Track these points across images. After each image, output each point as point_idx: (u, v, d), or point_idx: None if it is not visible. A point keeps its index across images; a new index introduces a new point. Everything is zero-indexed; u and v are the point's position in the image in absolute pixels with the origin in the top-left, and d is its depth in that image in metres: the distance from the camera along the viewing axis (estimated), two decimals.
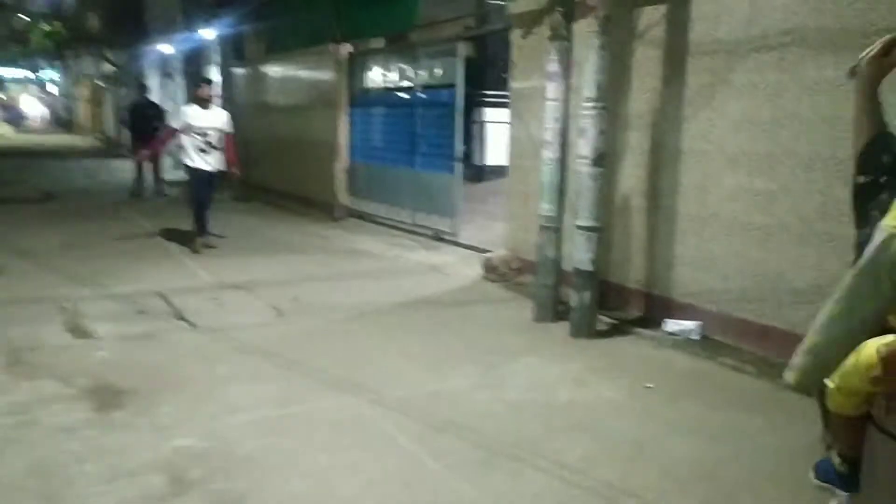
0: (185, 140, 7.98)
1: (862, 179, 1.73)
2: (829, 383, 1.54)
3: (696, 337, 5.14)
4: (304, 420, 3.79)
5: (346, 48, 10.57)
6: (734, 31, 4.89)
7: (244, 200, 12.43)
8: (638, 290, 5.79)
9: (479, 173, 13.11)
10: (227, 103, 15.17)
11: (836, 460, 1.58)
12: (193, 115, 8.00)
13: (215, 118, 8.12)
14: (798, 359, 1.48)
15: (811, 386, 1.50)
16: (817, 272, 4.49)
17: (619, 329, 5.45)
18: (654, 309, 5.61)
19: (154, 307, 5.84)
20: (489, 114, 12.97)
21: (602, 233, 5.37)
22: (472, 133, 13.26)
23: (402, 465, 3.33)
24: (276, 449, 3.45)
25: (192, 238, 8.15)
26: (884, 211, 1.54)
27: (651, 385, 4.34)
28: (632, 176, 5.76)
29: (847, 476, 1.56)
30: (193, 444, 3.48)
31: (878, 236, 1.41)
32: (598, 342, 5.21)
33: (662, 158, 5.49)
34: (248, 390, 4.16)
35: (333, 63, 10.65)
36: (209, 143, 7.96)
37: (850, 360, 1.49)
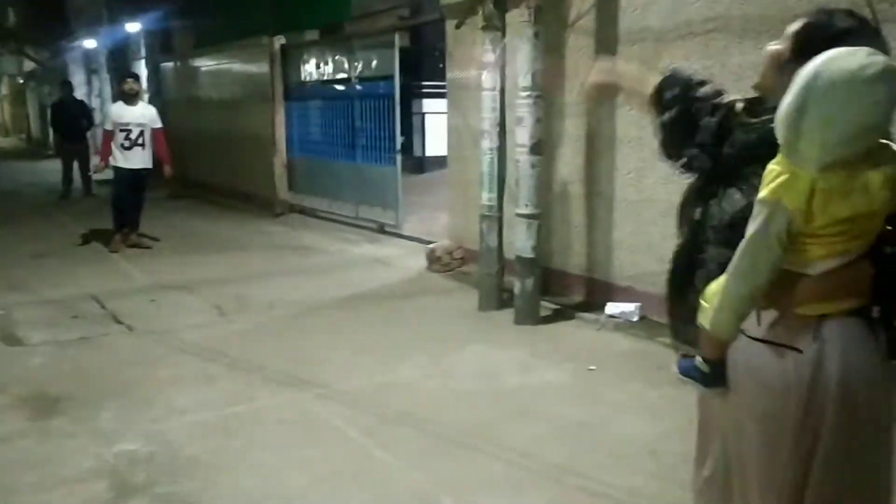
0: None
1: (665, 117, 1.92)
2: (707, 305, 1.72)
3: (635, 318, 5.27)
4: (250, 419, 3.76)
5: (280, 41, 10.42)
6: (662, 19, 5.01)
7: (180, 198, 12.16)
8: (580, 275, 5.90)
9: (420, 164, 13.12)
10: (156, 98, 14.83)
11: (700, 362, 1.80)
12: (118, 111, 7.83)
13: (142, 114, 7.93)
14: (711, 312, 1.70)
15: (730, 332, 1.70)
16: None
17: (562, 314, 5.55)
18: (596, 293, 5.73)
19: (89, 311, 5.68)
20: (429, 104, 12.98)
21: (542, 220, 5.45)
22: (413, 124, 13.25)
23: (352, 458, 3.33)
24: (223, 449, 3.42)
25: (112, 238, 8.03)
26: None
27: (594, 367, 4.44)
28: (570, 164, 5.86)
29: (709, 374, 1.78)
30: (137, 448, 3.42)
31: (762, 210, 1.54)
32: (542, 328, 5.30)
33: (599, 146, 5.60)
34: (191, 392, 4.09)
35: (267, 56, 10.48)
36: (134, 140, 7.77)
37: (722, 280, 1.69)
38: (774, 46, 1.75)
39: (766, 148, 1.58)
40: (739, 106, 1.84)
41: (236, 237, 9.02)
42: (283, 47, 10.47)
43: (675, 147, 1.94)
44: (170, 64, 14.78)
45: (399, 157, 8.54)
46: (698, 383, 1.86)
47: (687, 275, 1.92)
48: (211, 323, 5.47)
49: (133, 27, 13.98)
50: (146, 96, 15.20)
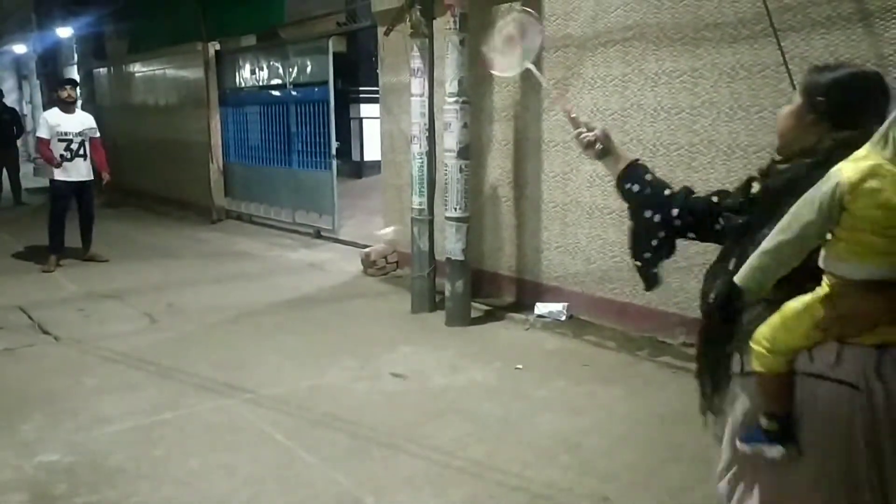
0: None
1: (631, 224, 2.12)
2: (759, 348, 1.66)
3: (563, 318, 5.41)
4: (176, 426, 3.75)
5: (214, 46, 10.33)
6: (582, 27, 5.17)
7: (115, 206, 11.91)
8: (510, 276, 6.03)
9: (358, 169, 13.12)
10: (90, 105, 14.48)
11: (764, 422, 1.68)
12: (55, 119, 7.40)
13: (80, 122, 7.55)
14: (747, 266, 1.64)
15: (754, 284, 1.64)
16: None
17: (492, 315, 5.66)
18: (526, 294, 5.86)
19: (14, 322, 5.56)
20: (365, 109, 12.99)
21: (472, 223, 5.56)
22: (351, 129, 13.25)
23: (278, 462, 3.37)
24: (147, 457, 3.41)
25: (46, 255, 7.47)
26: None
27: (521, 366, 4.55)
28: (499, 167, 5.98)
29: (779, 432, 1.66)
30: (58, 459, 3.39)
31: (830, 181, 1.52)
32: (472, 329, 5.40)
33: (526, 149, 5.74)
34: (116, 400, 4.06)
35: (201, 61, 10.38)
36: (75, 151, 7.40)
37: (776, 322, 1.64)
38: (789, 107, 1.82)
39: (802, 184, 1.60)
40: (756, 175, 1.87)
41: (171, 244, 8.91)
42: (217, 53, 10.39)
43: (637, 249, 2.07)
44: (103, 69, 14.47)
45: (335, 162, 8.56)
46: (770, 445, 1.68)
47: (723, 333, 1.84)
48: (141, 331, 5.41)
49: (65, 32, 13.65)
50: (79, 103, 14.85)
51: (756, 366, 1.68)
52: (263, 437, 3.62)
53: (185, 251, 8.51)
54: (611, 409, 3.95)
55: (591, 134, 2.17)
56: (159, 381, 4.37)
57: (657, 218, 2.01)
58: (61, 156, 7.32)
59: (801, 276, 1.61)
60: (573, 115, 2.25)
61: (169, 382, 4.35)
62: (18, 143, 12.65)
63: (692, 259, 4.69)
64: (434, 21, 5.51)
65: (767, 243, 1.60)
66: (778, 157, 1.83)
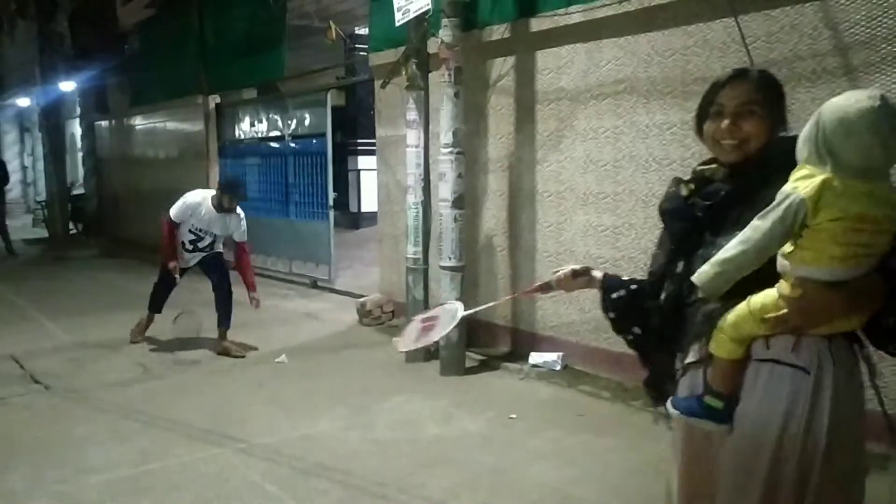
0: None
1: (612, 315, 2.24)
2: (723, 336, 1.78)
3: (558, 367, 5.39)
4: (165, 476, 3.70)
5: (214, 99, 10.51)
6: (575, 81, 5.29)
7: (114, 256, 11.98)
8: (505, 326, 6.02)
9: (355, 220, 13.22)
10: (91, 157, 14.68)
11: (710, 399, 1.80)
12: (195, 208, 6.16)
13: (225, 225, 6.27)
14: (708, 270, 1.73)
15: (715, 291, 1.74)
16: None
17: (487, 365, 5.64)
18: (521, 343, 5.85)
19: (6, 372, 5.52)
20: (363, 161, 13.17)
21: (466, 272, 5.58)
22: (348, 180, 13.40)
23: None
24: None
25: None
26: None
27: (514, 416, 4.52)
28: (493, 217, 6.03)
29: (723, 411, 1.79)
30: None
31: (781, 198, 1.63)
32: (466, 378, 5.37)
33: (520, 199, 5.80)
34: (106, 450, 4.02)
35: (201, 114, 10.56)
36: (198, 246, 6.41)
37: (743, 312, 1.75)
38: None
39: (750, 194, 1.76)
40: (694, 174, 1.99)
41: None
42: (218, 105, 10.56)
43: (623, 329, 2.19)
44: (105, 122, 14.69)
45: (332, 213, 8.63)
46: (707, 421, 1.82)
47: (673, 328, 1.96)
48: (133, 380, 5.37)
49: (67, 86, 13.89)
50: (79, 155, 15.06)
51: (717, 351, 1.81)
52: (254, 487, 3.57)
53: (179, 301, 8.47)
54: (604, 459, 3.91)
55: (561, 272, 2.27)
56: (150, 431, 4.32)
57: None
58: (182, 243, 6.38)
59: (756, 277, 1.72)
60: (540, 285, 2.35)
61: (159, 432, 4.30)
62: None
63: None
64: (429, 74, 5.63)
65: (727, 252, 1.71)
66: (700, 167, 1.97)
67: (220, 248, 6.38)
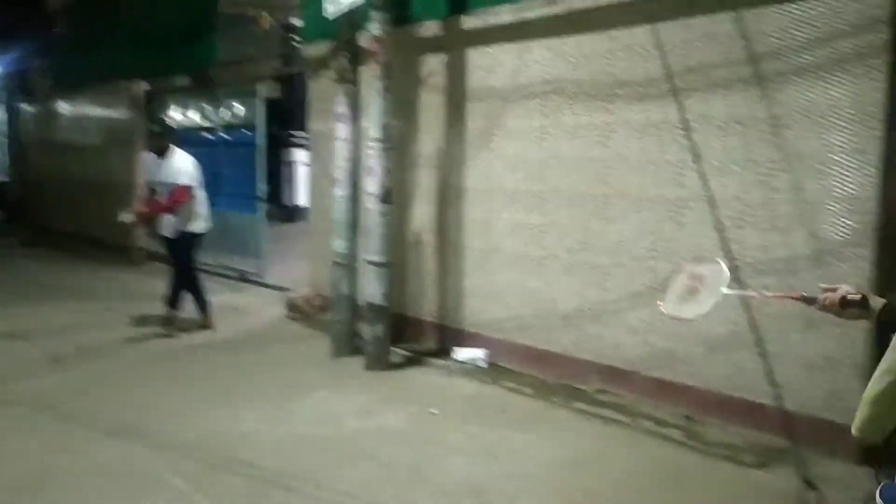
0: None
1: None
2: None
3: (483, 364, 5.44)
4: (71, 471, 3.59)
5: (144, 86, 10.23)
6: (504, 80, 5.33)
7: (34, 245, 11.53)
8: (432, 322, 6.04)
9: (290, 213, 13.06)
10: (14, 142, 14.12)
11: None
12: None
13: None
14: (861, 411, 1.66)
15: (872, 434, 1.66)
16: (581, 298, 4.95)
17: (412, 360, 5.64)
18: (448, 340, 5.87)
19: None
20: (299, 155, 13.00)
21: (394, 268, 5.58)
22: (283, 174, 13.22)
23: None
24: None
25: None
26: None
27: (436, 411, 4.54)
28: (423, 213, 6.04)
29: None
30: None
31: None
32: (391, 374, 5.36)
33: (449, 196, 5.82)
34: (10, 443, 3.88)
35: (129, 101, 10.25)
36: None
37: None
38: None
39: None
40: None
41: (88, 285, 8.62)
42: (147, 92, 10.28)
43: None
44: (29, 107, 14.14)
45: (263, 206, 8.50)
46: None
47: None
48: (44, 373, 5.19)
49: None
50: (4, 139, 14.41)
51: None
52: (161, 482, 3.49)
53: (100, 292, 8.25)
54: (522, 453, 3.96)
55: (832, 295, 2.00)
56: (59, 425, 4.19)
57: None
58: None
59: None
60: (804, 297, 2.09)
61: (69, 426, 4.18)
62: None
63: (606, 307, 4.83)
64: (360, 68, 5.60)
65: (872, 388, 1.61)
66: None
67: None
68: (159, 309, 6.43)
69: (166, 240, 6.42)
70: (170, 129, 7.10)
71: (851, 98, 3.67)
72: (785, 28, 3.88)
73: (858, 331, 3.66)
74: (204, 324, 6.53)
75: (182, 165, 6.23)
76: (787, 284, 3.88)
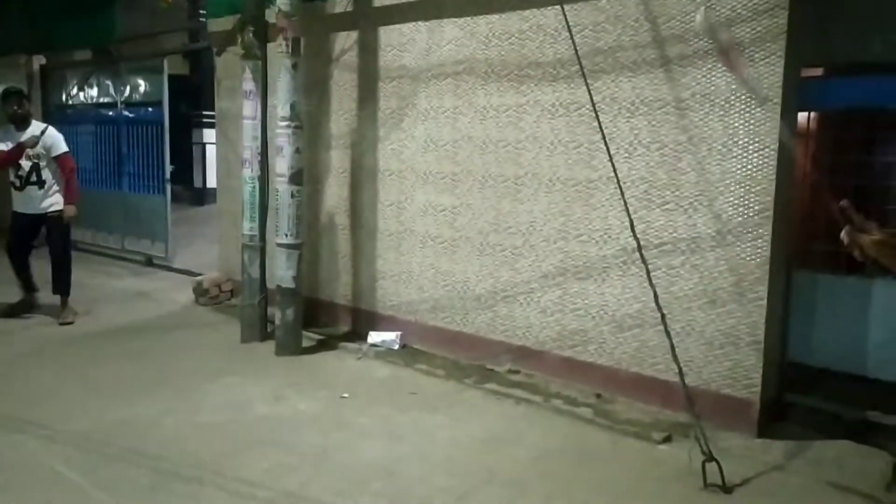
0: None
1: None
2: None
3: (396, 347, 5.39)
4: None
5: (39, 60, 9.65)
6: (416, 59, 5.26)
7: None
8: (346, 305, 5.94)
9: (200, 196, 12.62)
10: None
11: None
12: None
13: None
14: None
15: None
16: (493, 279, 4.96)
17: (325, 344, 5.54)
18: (361, 323, 5.79)
19: None
20: (209, 135, 12.55)
21: (306, 251, 5.45)
22: (193, 154, 12.75)
23: (66, 502, 3.07)
24: None
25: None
26: None
27: (346, 395, 4.47)
28: (335, 195, 5.92)
29: None
30: None
31: None
32: (302, 358, 5.25)
33: (362, 177, 5.72)
34: None
35: (24, 75, 9.65)
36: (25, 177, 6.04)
37: None
38: None
39: None
40: None
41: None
42: (43, 67, 9.71)
43: None
44: None
45: (169, 187, 8.17)
46: None
47: None
48: None
49: None
50: None
51: None
52: (54, 475, 3.31)
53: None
54: (432, 435, 3.94)
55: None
56: None
57: None
58: (11, 183, 6.08)
59: None
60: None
61: None
62: None
63: (517, 288, 4.85)
64: (268, 44, 5.41)
65: None
66: None
67: (47, 177, 6.04)
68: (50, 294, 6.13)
69: (33, 218, 6.12)
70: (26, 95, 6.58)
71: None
72: (689, 12, 3.95)
73: (758, 308, 3.80)
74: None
75: (55, 134, 6.06)
76: (691, 264, 3.99)
